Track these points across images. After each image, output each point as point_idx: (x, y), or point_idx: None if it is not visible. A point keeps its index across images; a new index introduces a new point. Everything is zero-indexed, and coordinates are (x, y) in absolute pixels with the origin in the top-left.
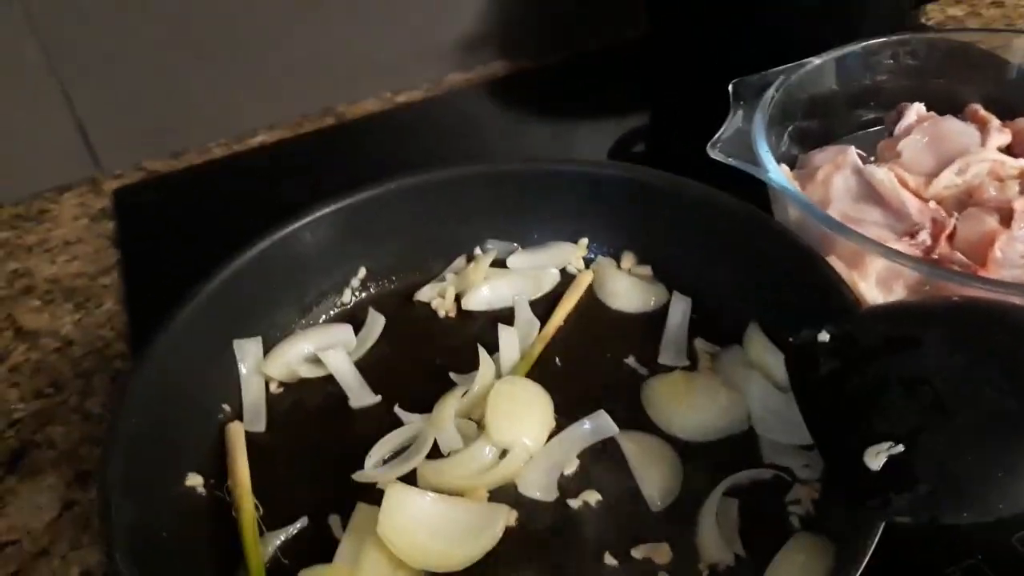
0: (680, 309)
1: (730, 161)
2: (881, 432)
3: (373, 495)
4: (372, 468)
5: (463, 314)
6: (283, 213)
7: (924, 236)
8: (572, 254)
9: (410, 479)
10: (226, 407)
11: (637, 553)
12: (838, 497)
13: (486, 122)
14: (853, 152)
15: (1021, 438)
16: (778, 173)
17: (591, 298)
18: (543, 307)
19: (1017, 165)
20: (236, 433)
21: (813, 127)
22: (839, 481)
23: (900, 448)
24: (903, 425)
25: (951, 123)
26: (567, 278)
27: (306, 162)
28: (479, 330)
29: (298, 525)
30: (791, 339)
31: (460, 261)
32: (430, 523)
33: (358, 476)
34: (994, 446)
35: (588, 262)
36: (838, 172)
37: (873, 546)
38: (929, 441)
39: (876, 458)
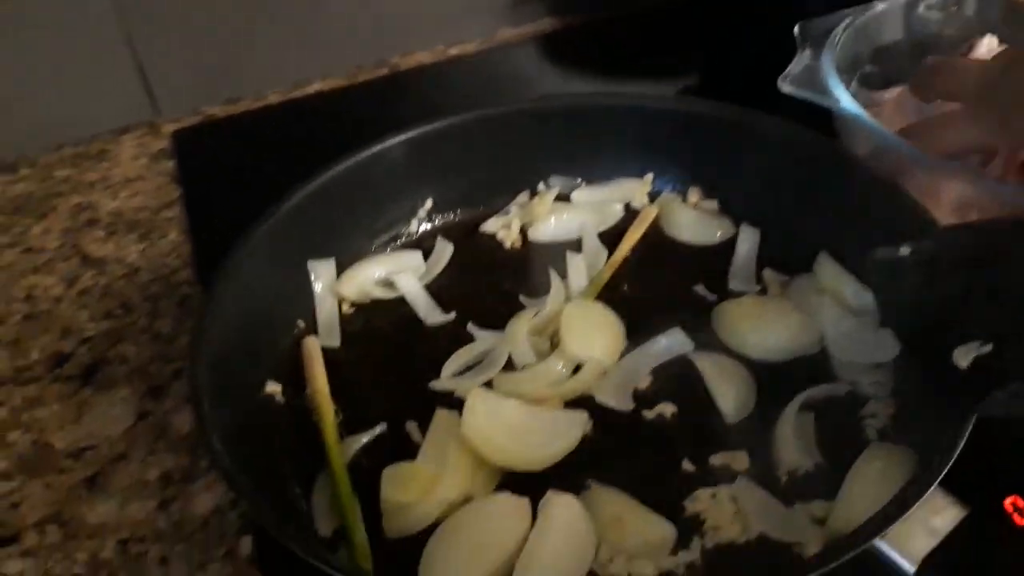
0: (749, 238)
1: (801, 93)
2: (968, 334)
3: (449, 404)
4: (448, 378)
5: (528, 245)
6: (333, 158)
7: (996, 165)
8: (637, 189)
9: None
10: (301, 323)
11: (715, 460)
12: (922, 403)
13: (536, 76)
14: None
15: None
16: (850, 102)
17: (657, 232)
18: (608, 240)
19: None
20: (312, 345)
21: (878, 73)
22: (929, 382)
23: (988, 347)
24: (990, 328)
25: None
26: (632, 213)
27: (360, 109)
28: (545, 259)
29: (377, 430)
30: (873, 256)
31: (524, 196)
32: (511, 426)
33: (435, 384)
34: None
35: (653, 197)
36: (907, 105)
37: (961, 445)
38: (1017, 341)
39: (965, 357)
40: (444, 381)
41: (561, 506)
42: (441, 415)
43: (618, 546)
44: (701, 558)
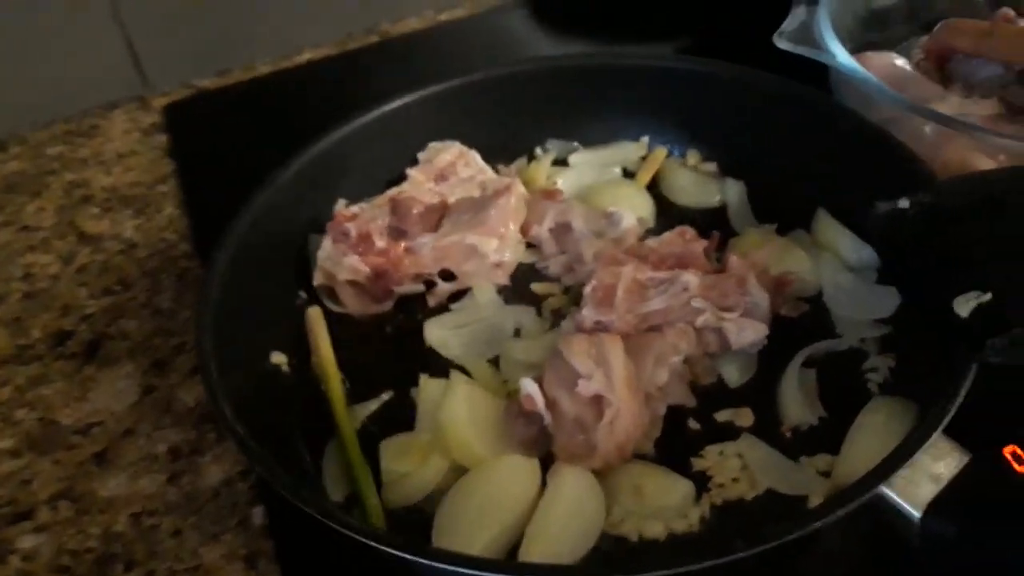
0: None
1: (798, 50)
2: (968, 283)
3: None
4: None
5: None
6: (330, 124)
7: None
8: (633, 153)
9: None
10: (302, 294)
11: (720, 416)
12: (922, 355)
13: (526, 40)
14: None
15: None
16: (847, 57)
17: (656, 194)
18: None
19: None
20: (316, 315)
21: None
22: (930, 333)
23: (988, 296)
24: (990, 276)
25: None
26: (629, 177)
27: (351, 77)
28: None
29: (383, 397)
30: (874, 209)
31: (521, 161)
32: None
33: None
34: None
35: None
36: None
37: (963, 393)
38: (1017, 290)
39: (965, 306)
40: (452, 348)
41: (571, 476)
42: (426, 383)
43: (637, 511)
44: (710, 513)
